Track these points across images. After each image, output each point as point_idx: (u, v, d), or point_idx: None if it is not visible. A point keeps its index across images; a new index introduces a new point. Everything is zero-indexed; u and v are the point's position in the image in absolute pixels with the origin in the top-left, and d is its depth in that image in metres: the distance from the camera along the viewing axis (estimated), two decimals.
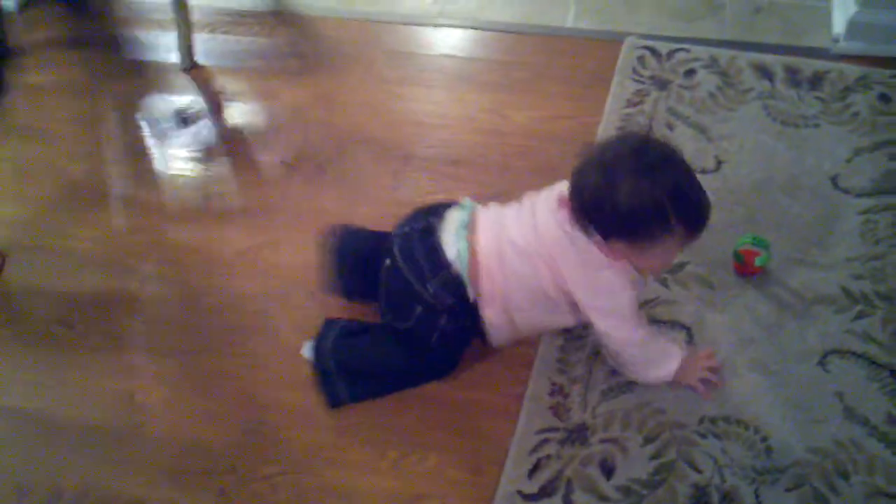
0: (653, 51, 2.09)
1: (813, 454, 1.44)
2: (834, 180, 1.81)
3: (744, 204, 1.77)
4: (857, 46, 2.06)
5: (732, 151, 1.87)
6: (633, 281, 1.42)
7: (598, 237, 1.35)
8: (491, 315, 1.48)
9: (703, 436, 1.46)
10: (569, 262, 1.40)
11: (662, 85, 2.02)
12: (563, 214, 1.38)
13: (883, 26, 2.02)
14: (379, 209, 1.84)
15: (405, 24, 2.26)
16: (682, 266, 1.68)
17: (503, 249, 1.44)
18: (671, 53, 2.09)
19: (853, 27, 2.04)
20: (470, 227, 1.47)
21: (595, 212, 1.33)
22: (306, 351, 1.61)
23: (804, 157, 1.85)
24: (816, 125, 1.91)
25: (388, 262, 1.51)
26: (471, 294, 1.46)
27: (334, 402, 1.57)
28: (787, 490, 1.40)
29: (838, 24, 2.10)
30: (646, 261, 1.38)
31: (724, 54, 2.07)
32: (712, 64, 2.05)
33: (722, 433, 1.46)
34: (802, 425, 1.47)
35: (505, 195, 1.81)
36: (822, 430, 1.46)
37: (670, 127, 1.92)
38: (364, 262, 1.61)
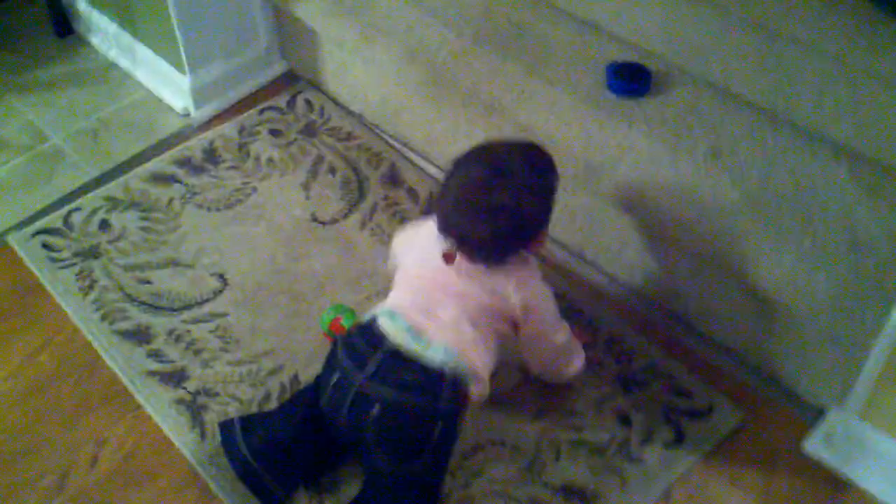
0: (48, 231, 1.79)
1: None
2: (314, 218, 1.81)
3: (264, 303, 1.69)
4: (210, 109, 2.04)
5: (219, 261, 1.74)
6: None
7: (512, 254, 1.34)
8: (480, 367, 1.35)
9: None
10: (515, 294, 1.34)
11: (94, 253, 1.75)
12: (466, 265, 1.34)
13: (215, 81, 2.03)
14: None
15: None
16: None
17: (460, 327, 1.34)
18: (68, 221, 1.81)
19: (196, 95, 2.01)
20: (415, 330, 1.33)
21: (515, 242, 1.33)
22: None
23: (271, 222, 1.81)
24: (255, 189, 1.87)
25: (376, 409, 1.28)
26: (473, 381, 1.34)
27: None
28: None
29: (178, 101, 2.04)
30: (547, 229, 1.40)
31: (113, 188, 1.88)
32: (114, 203, 1.84)
33: None
34: None
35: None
36: None
37: (144, 281, 1.70)
38: (290, 445, 1.37)
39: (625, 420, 1.49)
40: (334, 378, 1.33)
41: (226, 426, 1.42)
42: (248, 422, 1.41)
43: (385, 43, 1.84)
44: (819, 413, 1.48)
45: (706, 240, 1.49)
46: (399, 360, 1.31)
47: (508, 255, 1.34)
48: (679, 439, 1.46)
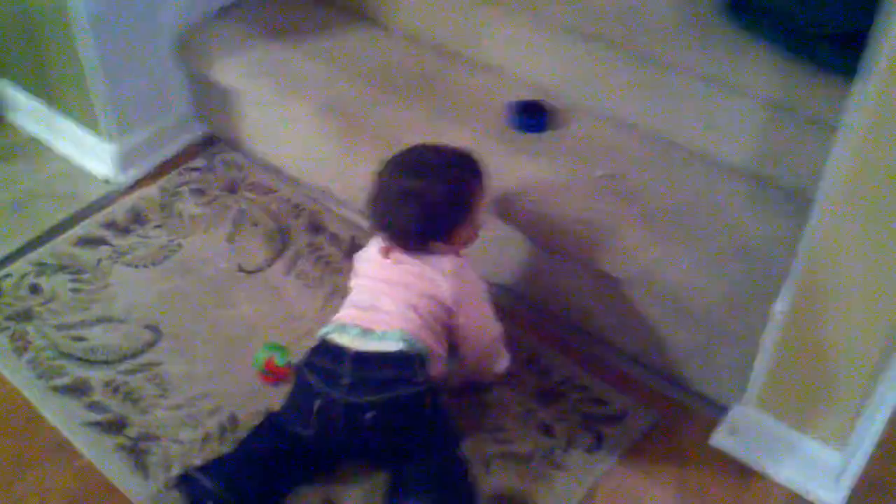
0: None
1: None
2: (240, 268, 1.89)
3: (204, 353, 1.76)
4: (132, 175, 2.11)
5: (151, 315, 1.80)
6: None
7: (440, 243, 1.48)
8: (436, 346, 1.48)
9: None
10: (445, 283, 1.46)
11: (27, 316, 1.79)
12: (401, 256, 1.49)
13: (136, 148, 2.11)
14: None
15: None
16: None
17: (406, 314, 1.45)
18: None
19: (118, 162, 2.08)
20: (365, 330, 1.44)
21: (430, 228, 1.47)
22: None
23: (200, 275, 1.88)
24: (181, 245, 1.94)
25: (370, 415, 1.38)
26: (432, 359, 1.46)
27: None
28: None
29: (101, 169, 2.11)
30: (476, 225, 1.54)
31: (41, 254, 1.93)
32: (43, 268, 1.89)
33: None
34: None
35: None
36: None
37: (79, 339, 1.75)
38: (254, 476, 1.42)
39: (547, 430, 1.58)
40: (316, 405, 1.40)
41: (186, 478, 1.43)
42: (206, 468, 1.44)
43: (300, 99, 1.95)
44: (723, 409, 1.60)
45: (609, 257, 1.62)
46: (366, 361, 1.41)
47: (429, 241, 1.48)
48: (598, 443, 1.56)
